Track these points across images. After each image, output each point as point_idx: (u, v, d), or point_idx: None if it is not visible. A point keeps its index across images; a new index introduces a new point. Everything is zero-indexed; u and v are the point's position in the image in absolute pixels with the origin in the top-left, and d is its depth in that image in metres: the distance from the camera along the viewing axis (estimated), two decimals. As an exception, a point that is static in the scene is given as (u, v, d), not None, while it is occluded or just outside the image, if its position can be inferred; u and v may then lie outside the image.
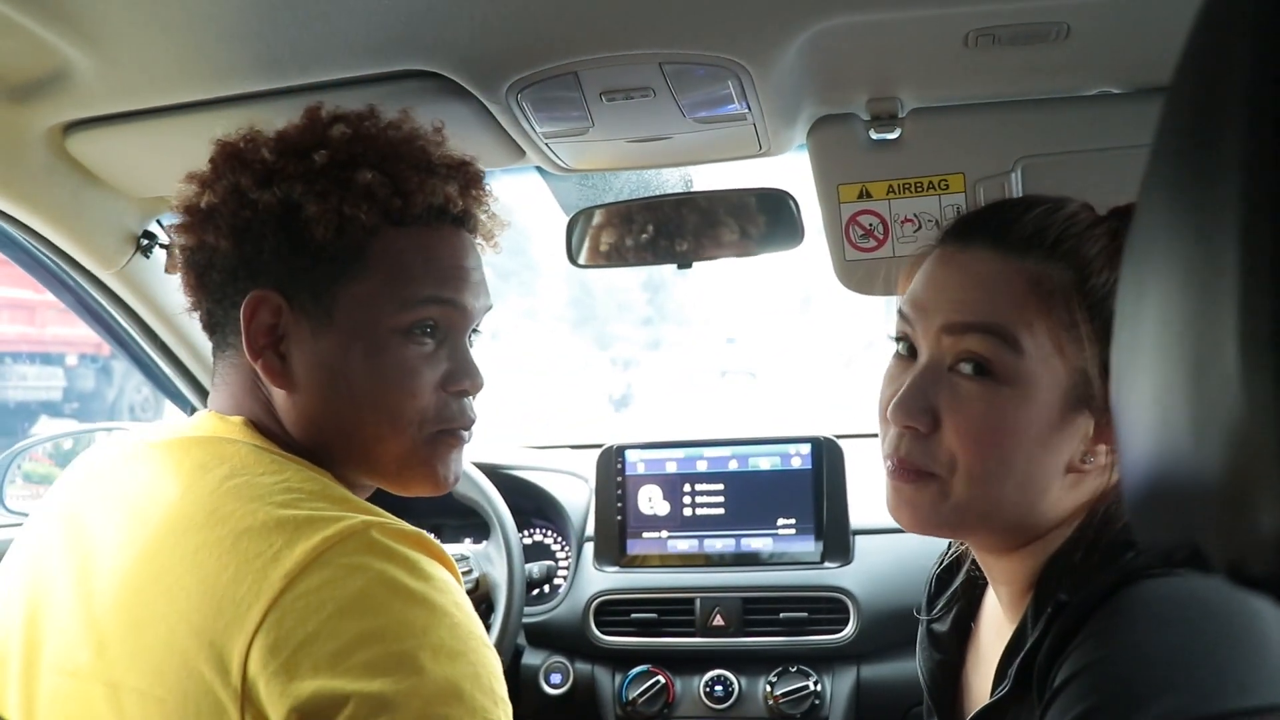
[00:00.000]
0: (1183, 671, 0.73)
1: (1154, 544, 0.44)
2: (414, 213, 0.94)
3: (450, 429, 0.97)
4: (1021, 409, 0.87)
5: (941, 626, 1.11)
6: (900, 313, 0.96)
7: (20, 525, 1.66)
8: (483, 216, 1.03)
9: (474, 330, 1.02)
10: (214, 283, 0.95)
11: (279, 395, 0.94)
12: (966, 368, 0.89)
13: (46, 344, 8.63)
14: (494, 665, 0.79)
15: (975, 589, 1.11)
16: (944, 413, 0.89)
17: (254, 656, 0.73)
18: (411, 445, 0.95)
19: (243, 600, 0.75)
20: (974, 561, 1.09)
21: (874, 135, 1.33)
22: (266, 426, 0.94)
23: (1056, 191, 1.34)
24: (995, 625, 1.04)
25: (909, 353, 0.95)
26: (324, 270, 0.92)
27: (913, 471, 0.91)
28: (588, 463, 2.09)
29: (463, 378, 0.98)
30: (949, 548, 1.18)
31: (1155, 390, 0.39)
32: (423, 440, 0.96)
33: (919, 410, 0.89)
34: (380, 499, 0.94)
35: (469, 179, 1.00)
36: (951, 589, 1.13)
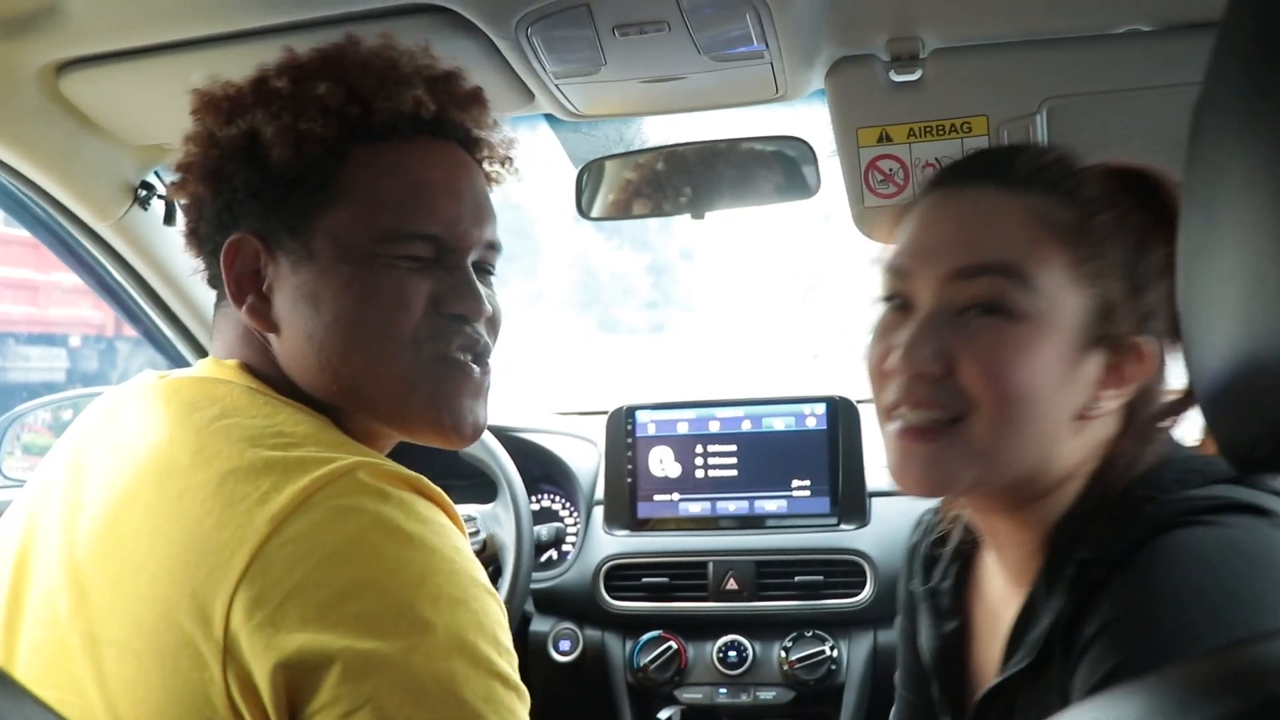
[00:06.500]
0: (1234, 611, 0.73)
1: (1236, 440, 0.44)
2: (380, 121, 0.88)
3: (453, 356, 0.89)
4: (1038, 344, 0.85)
5: (944, 596, 1.07)
6: (891, 268, 0.92)
7: (17, 489, 1.61)
8: (474, 128, 0.96)
9: (486, 269, 0.96)
10: (204, 235, 0.92)
11: (272, 341, 0.90)
12: (978, 309, 0.86)
13: (50, 325, 8.61)
14: (497, 613, 0.75)
15: (967, 556, 1.07)
16: (958, 354, 0.85)
17: (237, 608, 0.69)
18: (409, 373, 0.87)
19: (225, 547, 0.71)
20: (965, 528, 1.06)
21: (894, 77, 1.28)
22: (263, 372, 0.90)
23: (1084, 133, 1.31)
24: (998, 592, 1.00)
25: (903, 308, 0.91)
26: (297, 201, 0.87)
27: (928, 431, 0.88)
28: (597, 428, 2.05)
29: (457, 300, 0.89)
30: (934, 515, 1.13)
31: (1241, 283, 0.39)
32: (422, 366, 0.87)
33: (932, 354, 0.85)
34: (396, 457, 0.86)
35: (452, 89, 0.94)
36: (946, 555, 1.08)
